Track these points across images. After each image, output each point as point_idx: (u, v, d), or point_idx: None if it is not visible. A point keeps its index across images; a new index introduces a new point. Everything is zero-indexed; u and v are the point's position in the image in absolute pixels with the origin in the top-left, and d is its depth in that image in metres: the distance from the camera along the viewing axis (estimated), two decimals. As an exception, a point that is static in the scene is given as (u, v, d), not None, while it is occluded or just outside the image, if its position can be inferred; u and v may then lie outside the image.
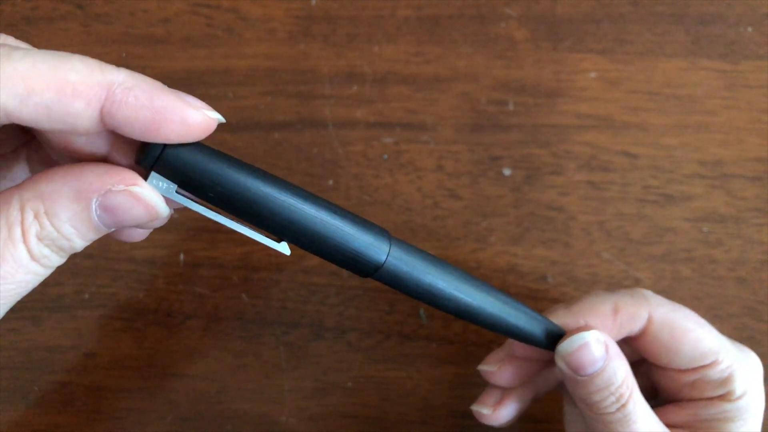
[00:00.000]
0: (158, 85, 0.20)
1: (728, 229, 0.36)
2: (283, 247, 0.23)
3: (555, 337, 0.28)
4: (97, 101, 0.19)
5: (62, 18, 0.37)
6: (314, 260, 0.36)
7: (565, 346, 0.27)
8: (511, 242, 0.36)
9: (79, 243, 0.20)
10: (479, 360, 0.31)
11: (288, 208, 0.22)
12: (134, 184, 0.20)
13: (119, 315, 0.37)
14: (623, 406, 0.27)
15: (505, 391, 0.31)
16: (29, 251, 0.19)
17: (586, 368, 0.27)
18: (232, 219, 0.22)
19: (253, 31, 0.37)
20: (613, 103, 0.36)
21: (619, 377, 0.27)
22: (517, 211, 0.36)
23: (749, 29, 0.37)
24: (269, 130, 0.37)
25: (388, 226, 0.37)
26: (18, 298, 0.20)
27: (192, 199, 0.22)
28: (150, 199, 0.20)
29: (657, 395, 0.30)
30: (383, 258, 0.23)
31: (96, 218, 0.20)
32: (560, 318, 0.28)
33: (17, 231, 0.19)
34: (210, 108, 0.20)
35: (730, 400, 0.27)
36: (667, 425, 0.27)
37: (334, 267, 0.36)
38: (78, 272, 0.37)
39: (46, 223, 0.19)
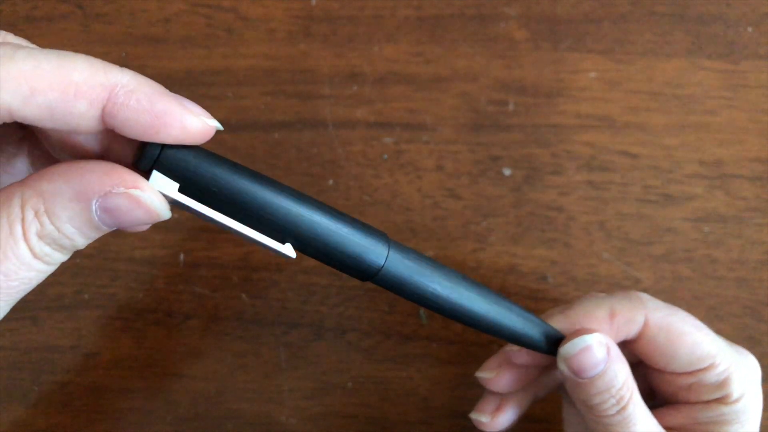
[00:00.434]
0: (160, 89, 0.20)
1: (728, 229, 0.36)
2: (288, 249, 0.22)
3: (554, 340, 0.28)
4: (100, 102, 0.19)
5: (62, 18, 0.37)
6: (314, 260, 0.36)
7: (567, 348, 0.27)
8: (511, 242, 0.36)
9: (81, 241, 0.20)
10: (479, 360, 0.31)
11: (284, 211, 0.22)
12: (135, 187, 0.20)
13: (119, 315, 0.37)
14: (623, 408, 0.27)
15: (503, 398, 0.31)
16: (30, 249, 0.19)
17: (588, 371, 0.27)
18: (234, 220, 0.22)
19: (253, 31, 0.37)
20: (613, 103, 0.36)
21: (619, 380, 0.27)
22: (517, 211, 0.36)
23: (749, 29, 0.37)
24: (269, 130, 0.37)
25: (388, 226, 0.37)
26: (22, 294, 0.20)
27: (193, 198, 0.22)
28: (150, 202, 0.20)
29: (654, 397, 0.30)
30: (381, 262, 0.23)
31: (96, 218, 0.20)
32: (556, 323, 0.28)
33: (18, 229, 0.19)
34: (209, 115, 0.21)
35: (726, 403, 0.27)
36: (665, 427, 0.27)
37: (334, 267, 0.36)
38: (78, 272, 0.37)
39: (47, 221, 0.19)
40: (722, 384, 0.27)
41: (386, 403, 0.36)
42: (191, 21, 0.37)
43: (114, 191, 0.19)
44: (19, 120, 0.19)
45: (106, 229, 0.20)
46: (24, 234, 0.19)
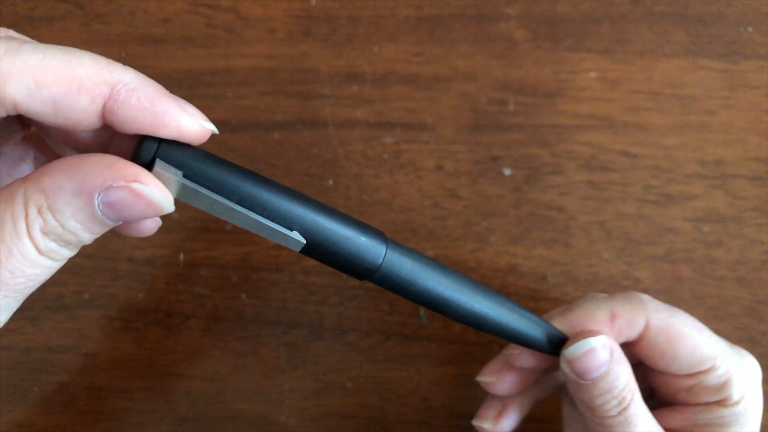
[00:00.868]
0: (161, 89, 0.20)
1: (728, 229, 0.36)
2: (296, 236, 0.22)
3: (556, 341, 0.28)
4: (101, 98, 0.19)
5: (62, 18, 0.37)
6: (314, 260, 0.36)
7: (571, 351, 0.27)
8: (511, 242, 0.36)
9: (86, 236, 0.20)
10: (479, 360, 0.31)
11: (282, 211, 0.22)
12: (136, 180, 0.19)
13: (119, 315, 0.37)
14: (624, 409, 0.27)
15: (504, 402, 0.31)
16: (35, 246, 0.19)
17: (591, 373, 0.27)
18: (242, 206, 0.21)
19: (253, 31, 0.37)
20: (613, 103, 0.36)
21: (622, 381, 0.27)
22: (517, 211, 0.36)
23: (749, 29, 0.37)
24: (269, 130, 0.37)
25: (388, 226, 0.37)
26: (30, 291, 0.20)
27: (200, 184, 0.21)
28: (152, 195, 0.20)
29: (654, 397, 0.30)
30: (379, 261, 0.23)
31: (100, 213, 0.19)
32: (557, 325, 0.28)
33: (22, 226, 0.19)
34: (206, 119, 0.21)
35: (726, 406, 0.27)
36: (665, 429, 0.27)
37: (334, 267, 0.36)
38: (78, 272, 0.37)
39: (50, 218, 0.19)
40: (722, 386, 0.27)
41: (386, 403, 0.36)
42: (191, 21, 0.37)
43: (115, 185, 0.19)
44: (23, 113, 0.19)
45: (110, 224, 0.20)
46: (28, 231, 0.19)
